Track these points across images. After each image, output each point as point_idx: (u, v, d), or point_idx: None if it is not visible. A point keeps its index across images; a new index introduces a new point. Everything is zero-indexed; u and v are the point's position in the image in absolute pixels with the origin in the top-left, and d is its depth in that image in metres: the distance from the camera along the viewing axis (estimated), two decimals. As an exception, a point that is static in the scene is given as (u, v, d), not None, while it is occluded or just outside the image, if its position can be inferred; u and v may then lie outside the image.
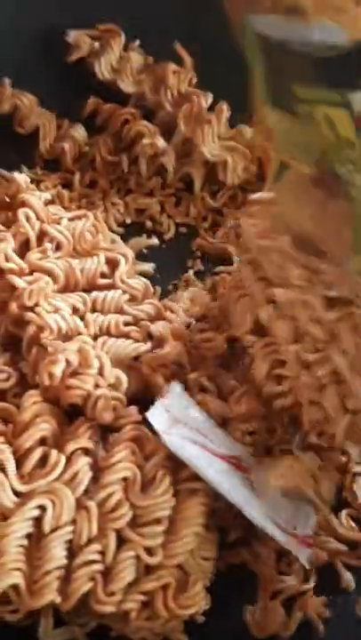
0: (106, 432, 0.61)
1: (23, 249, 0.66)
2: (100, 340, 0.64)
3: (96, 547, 0.56)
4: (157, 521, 0.57)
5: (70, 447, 0.59)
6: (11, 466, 0.57)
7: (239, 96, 0.76)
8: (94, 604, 0.56)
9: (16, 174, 0.68)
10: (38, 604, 0.55)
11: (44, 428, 0.59)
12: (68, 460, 0.58)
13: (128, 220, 0.79)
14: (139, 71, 0.81)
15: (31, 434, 0.59)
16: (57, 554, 0.56)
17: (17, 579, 0.55)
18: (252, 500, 0.59)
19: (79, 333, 0.63)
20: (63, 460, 0.58)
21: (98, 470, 0.59)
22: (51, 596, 0.55)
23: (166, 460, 0.59)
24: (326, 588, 0.61)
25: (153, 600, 0.56)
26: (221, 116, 0.78)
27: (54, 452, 0.58)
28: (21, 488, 0.57)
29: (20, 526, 0.56)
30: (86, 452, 0.59)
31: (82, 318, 0.64)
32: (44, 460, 0.59)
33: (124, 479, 0.58)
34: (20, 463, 0.58)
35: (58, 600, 0.55)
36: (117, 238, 0.73)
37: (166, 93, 0.79)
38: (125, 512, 0.57)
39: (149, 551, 0.57)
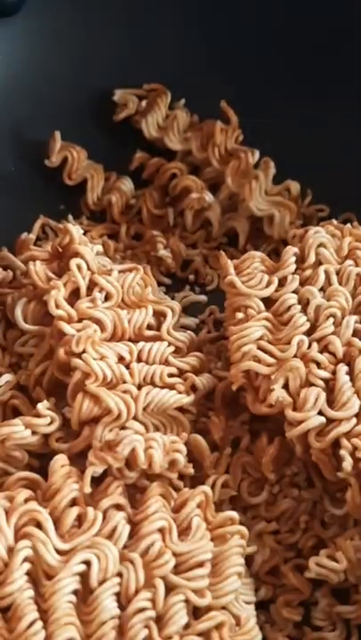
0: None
1: (73, 297, 0.67)
2: (145, 389, 0.65)
3: (146, 594, 0.57)
4: (200, 564, 0.58)
5: (105, 503, 0.60)
6: (50, 525, 0.58)
7: (285, 152, 0.80)
8: None
9: (70, 226, 0.69)
10: (97, 655, 0.55)
11: (76, 488, 0.60)
12: (104, 516, 0.59)
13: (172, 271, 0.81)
14: (185, 129, 0.83)
15: (65, 494, 0.60)
16: (109, 604, 0.56)
17: (73, 633, 0.55)
18: None
19: (124, 382, 0.65)
20: (100, 516, 0.59)
21: (132, 525, 0.60)
22: None
23: (197, 510, 0.61)
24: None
25: None
26: (268, 171, 0.80)
27: (91, 510, 0.59)
28: (63, 546, 0.58)
29: (68, 581, 0.57)
30: (118, 507, 0.60)
31: (127, 367, 0.65)
32: (77, 520, 0.60)
33: (160, 530, 0.59)
34: (57, 523, 0.59)
35: None
36: (162, 294, 0.75)
37: (214, 151, 0.81)
38: (169, 559, 0.58)
39: (197, 594, 0.58)
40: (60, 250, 0.69)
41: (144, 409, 0.65)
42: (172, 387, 0.66)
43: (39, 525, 0.58)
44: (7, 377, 0.68)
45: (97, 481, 0.62)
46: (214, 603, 0.57)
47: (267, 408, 0.64)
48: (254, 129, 0.82)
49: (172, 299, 0.76)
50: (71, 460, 0.62)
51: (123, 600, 0.57)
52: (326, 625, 0.62)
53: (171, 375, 0.67)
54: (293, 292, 0.67)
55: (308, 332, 0.66)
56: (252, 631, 0.58)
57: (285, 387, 0.63)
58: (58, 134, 0.82)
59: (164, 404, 0.65)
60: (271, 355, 0.65)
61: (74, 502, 0.60)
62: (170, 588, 0.57)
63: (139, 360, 0.66)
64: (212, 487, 0.64)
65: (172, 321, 0.69)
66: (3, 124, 0.83)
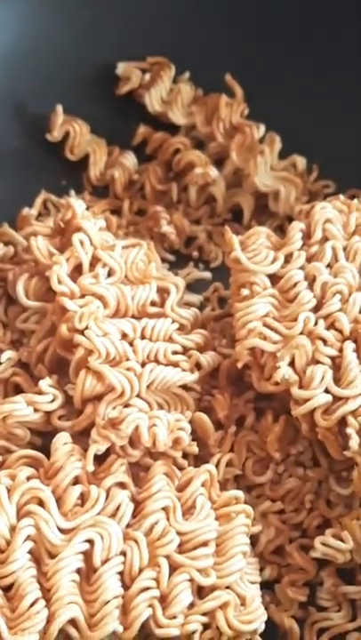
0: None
1: (75, 273, 0.66)
2: (148, 367, 0.64)
3: (150, 574, 0.56)
4: (204, 544, 0.58)
5: (108, 482, 0.60)
6: (52, 504, 0.58)
7: (291, 126, 0.79)
8: (156, 629, 0.56)
9: (72, 200, 0.68)
10: (101, 635, 0.55)
11: (79, 466, 0.60)
12: (107, 494, 0.59)
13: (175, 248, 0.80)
14: (189, 103, 0.82)
15: (68, 472, 0.60)
16: (112, 584, 0.56)
17: (76, 612, 0.55)
18: None
19: (127, 359, 0.64)
20: (103, 494, 0.59)
21: (136, 503, 0.60)
22: (114, 624, 0.55)
23: (201, 488, 0.60)
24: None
25: (214, 620, 0.57)
26: (274, 146, 0.79)
27: (94, 488, 0.59)
28: (66, 525, 0.58)
29: (71, 560, 0.57)
30: (122, 486, 0.60)
31: (130, 344, 0.65)
32: (80, 499, 0.59)
33: (164, 509, 0.59)
34: (59, 502, 0.59)
35: (120, 629, 0.55)
36: (166, 270, 0.74)
37: (218, 125, 0.79)
38: (173, 538, 0.58)
39: (202, 573, 0.57)
40: (63, 225, 0.68)
41: (148, 387, 0.64)
42: (176, 364, 0.66)
43: (41, 503, 0.58)
44: (8, 354, 0.67)
45: (100, 459, 0.61)
46: (219, 582, 0.57)
47: (272, 386, 0.63)
48: (260, 103, 0.81)
49: (176, 275, 0.75)
50: (74, 438, 0.62)
51: (126, 579, 0.57)
52: (332, 605, 0.62)
53: (175, 352, 0.66)
54: (300, 268, 0.67)
55: (315, 309, 0.65)
56: (257, 611, 0.58)
57: (291, 364, 0.63)
58: (60, 108, 0.81)
59: (168, 381, 0.65)
60: (277, 332, 0.64)
61: (76, 480, 0.60)
62: (174, 568, 0.57)
63: (142, 337, 0.66)
64: (217, 466, 0.64)
65: (176, 297, 0.68)
66: (4, 97, 0.82)
